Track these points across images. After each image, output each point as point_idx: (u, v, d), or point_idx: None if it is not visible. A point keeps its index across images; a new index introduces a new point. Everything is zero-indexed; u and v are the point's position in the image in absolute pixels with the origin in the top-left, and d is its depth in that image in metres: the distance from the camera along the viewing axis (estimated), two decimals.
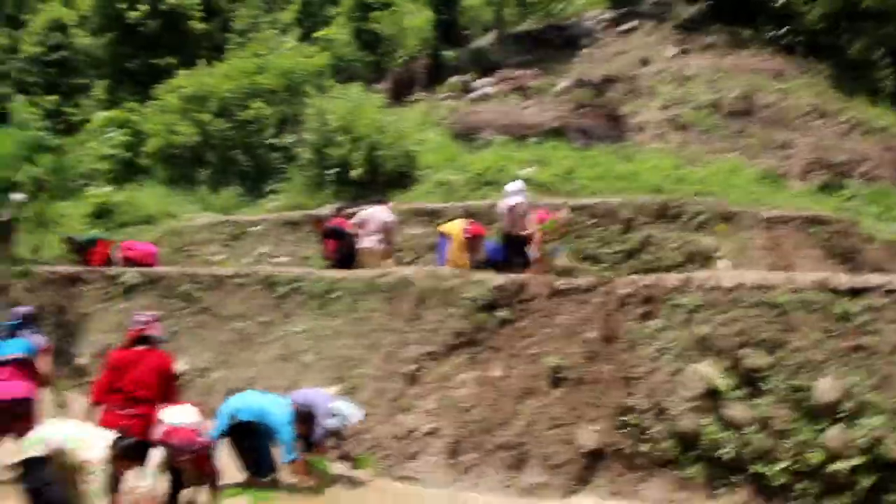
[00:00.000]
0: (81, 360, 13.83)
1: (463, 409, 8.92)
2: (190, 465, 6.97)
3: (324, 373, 10.17)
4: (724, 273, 8.91)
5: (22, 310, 9.30)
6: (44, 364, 8.58)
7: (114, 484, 6.66)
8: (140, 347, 7.68)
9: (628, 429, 8.09)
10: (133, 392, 7.37)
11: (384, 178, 17.28)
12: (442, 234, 12.39)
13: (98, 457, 6.17)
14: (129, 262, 15.13)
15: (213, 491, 7.37)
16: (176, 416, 7.03)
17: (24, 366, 8.43)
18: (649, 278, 9.05)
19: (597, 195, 14.46)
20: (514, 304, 9.70)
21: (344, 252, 12.98)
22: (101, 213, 19.87)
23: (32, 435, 6.59)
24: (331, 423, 8.33)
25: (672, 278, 8.87)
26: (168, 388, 7.64)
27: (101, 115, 25.79)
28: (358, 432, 9.26)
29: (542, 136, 18.34)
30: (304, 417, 8.25)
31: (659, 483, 7.79)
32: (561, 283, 9.77)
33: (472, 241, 12.05)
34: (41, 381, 8.64)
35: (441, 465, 8.58)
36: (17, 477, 6.50)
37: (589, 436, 8.22)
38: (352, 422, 8.47)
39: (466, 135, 19.42)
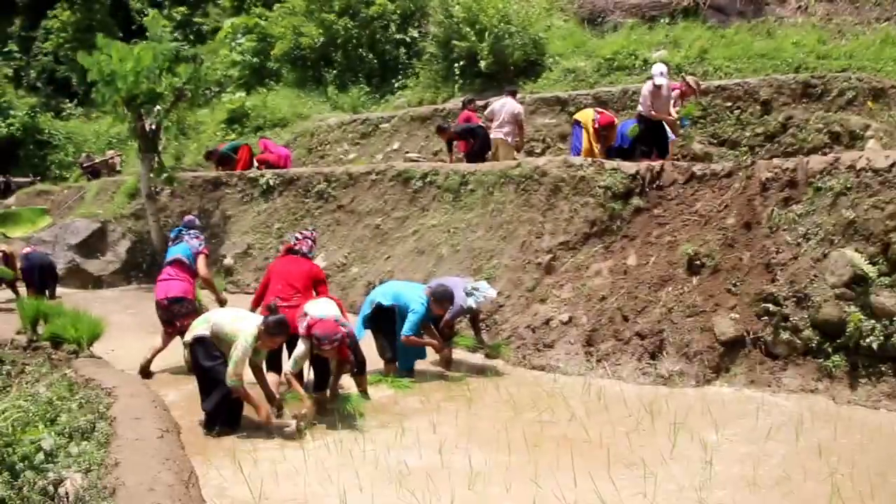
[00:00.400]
0: (227, 260, 14.63)
1: (599, 298, 8.97)
2: (333, 355, 7.36)
3: (460, 264, 10.43)
4: (875, 153, 8.42)
5: (186, 217, 10.00)
6: (201, 266, 9.21)
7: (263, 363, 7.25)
8: (292, 256, 8.39)
9: (768, 317, 7.92)
10: (286, 290, 8.01)
11: (512, 68, 17.13)
12: (576, 122, 12.27)
13: (250, 329, 6.71)
14: (266, 164, 15.76)
15: (356, 378, 7.78)
16: (318, 308, 7.44)
17: (183, 267, 9.11)
18: (792, 161, 8.67)
19: (733, 76, 13.91)
20: (650, 191, 9.60)
21: (475, 149, 13.08)
22: (236, 119, 20.63)
23: (200, 318, 7.29)
24: (469, 301, 8.58)
25: (817, 160, 8.48)
26: (317, 289, 8.21)
27: (229, 22, 26.35)
28: (494, 322, 9.52)
29: (674, 16, 17.59)
30: (441, 297, 8.48)
31: (799, 372, 7.63)
32: (698, 168, 9.56)
33: (604, 130, 11.90)
34: (200, 281, 9.34)
35: (577, 353, 8.70)
36: (191, 358, 7.17)
37: (727, 324, 8.13)
38: (488, 298, 8.68)
39: (593, 19, 18.85)
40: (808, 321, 7.63)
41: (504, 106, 12.97)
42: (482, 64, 16.94)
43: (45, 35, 36.37)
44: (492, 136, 13.05)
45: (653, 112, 11.11)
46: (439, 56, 18.57)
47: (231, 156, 16.47)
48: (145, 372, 8.87)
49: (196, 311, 8.89)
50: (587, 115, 12.17)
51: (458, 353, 9.19)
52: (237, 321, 6.90)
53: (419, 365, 8.78)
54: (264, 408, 6.93)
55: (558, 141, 13.98)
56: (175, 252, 9.24)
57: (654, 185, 9.65)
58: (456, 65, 17.70)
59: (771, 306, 7.91)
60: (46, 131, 27.69)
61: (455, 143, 13.66)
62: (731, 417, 6.78)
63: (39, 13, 36.97)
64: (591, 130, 11.96)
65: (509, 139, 12.84)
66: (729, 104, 12.75)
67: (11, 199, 22.64)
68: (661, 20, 17.54)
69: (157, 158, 15.73)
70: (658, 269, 8.89)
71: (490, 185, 10.87)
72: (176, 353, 8.77)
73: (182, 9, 32.55)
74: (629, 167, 9.89)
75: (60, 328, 8.94)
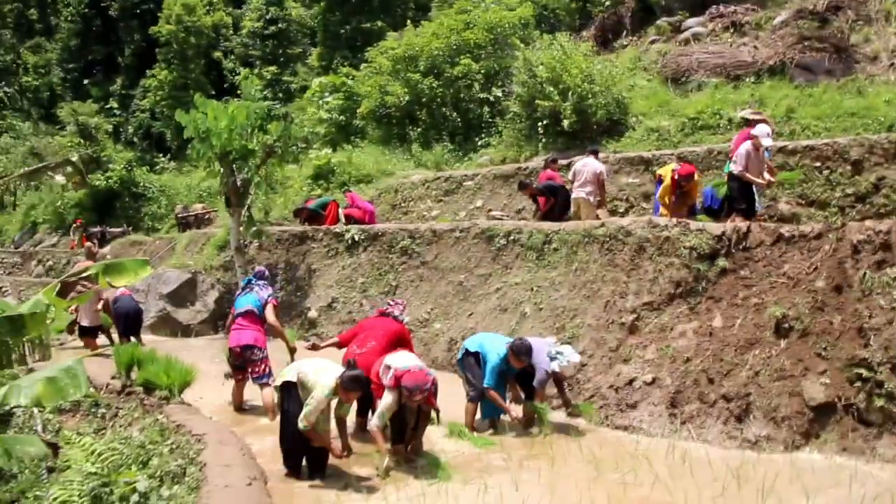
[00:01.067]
0: (311, 314, 14.93)
1: (683, 360, 8.89)
2: (421, 403, 7.51)
3: (543, 323, 10.47)
4: None
5: (256, 269, 10.50)
6: (269, 315, 9.57)
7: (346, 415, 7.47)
8: (384, 317, 8.85)
9: (861, 382, 7.71)
10: (370, 340, 8.42)
11: (595, 127, 17.24)
12: (658, 178, 12.30)
13: (328, 382, 6.94)
14: (351, 220, 16.15)
15: (423, 427, 7.87)
16: (400, 360, 7.61)
17: (254, 317, 9.51)
18: (886, 223, 8.52)
19: (822, 136, 13.72)
20: (736, 252, 9.51)
21: (554, 209, 13.18)
22: (322, 175, 21.17)
23: (290, 366, 7.67)
24: (553, 365, 8.60)
25: None
26: (402, 347, 8.51)
27: (318, 81, 27.24)
28: (577, 381, 9.50)
29: (759, 76, 17.46)
30: (519, 351, 8.47)
31: (894, 441, 7.43)
32: (786, 229, 9.44)
33: (683, 181, 11.81)
34: (270, 331, 9.77)
35: (661, 415, 8.61)
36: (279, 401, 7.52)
37: (817, 388, 7.95)
38: (572, 363, 8.73)
39: (677, 78, 18.80)
40: None
41: (586, 165, 13.07)
42: (565, 123, 17.07)
43: (143, 93, 38.23)
44: (573, 195, 13.14)
45: (747, 174, 11.04)
46: (522, 115, 18.80)
47: (320, 213, 16.92)
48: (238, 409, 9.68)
49: (264, 357, 9.39)
50: (667, 169, 12.20)
51: None
52: (319, 373, 7.13)
53: (500, 420, 8.81)
54: (336, 445, 7.15)
55: (642, 201, 13.98)
56: (245, 303, 9.61)
57: (741, 247, 9.55)
58: (539, 124, 17.88)
59: (864, 372, 7.71)
60: (141, 184, 28.88)
61: (538, 198, 13.81)
62: (821, 486, 6.61)
63: (139, 72, 38.92)
64: (668, 181, 11.95)
65: (591, 199, 12.90)
66: (818, 164, 12.58)
67: (107, 249, 23.61)
68: (747, 79, 17.43)
69: (246, 212, 16.28)
70: (744, 331, 8.77)
71: (574, 244, 10.93)
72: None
73: (272, 68, 33.85)
74: (715, 228, 9.84)
75: (153, 375, 9.35)
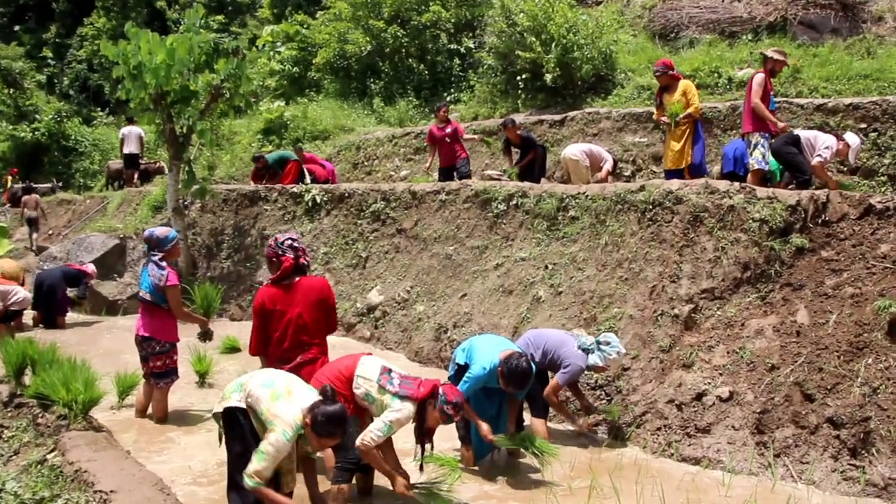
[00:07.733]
0: None
1: (767, 367, 6.40)
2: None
3: (565, 311, 7.84)
4: None
5: (146, 233, 7.11)
6: (171, 300, 6.78)
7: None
8: (286, 281, 5.57)
9: None
10: (293, 336, 5.51)
11: (580, 83, 14.74)
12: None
13: (290, 418, 4.39)
14: (313, 179, 13.34)
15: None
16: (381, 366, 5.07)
17: (148, 304, 6.89)
18: None
19: (831, 98, 11.51)
20: (814, 227, 7.12)
21: (531, 164, 11.27)
22: (273, 130, 18.32)
23: (235, 381, 4.83)
24: (591, 359, 6.20)
25: None
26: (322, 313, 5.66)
27: (269, 29, 24.13)
28: (618, 391, 6.98)
29: (757, 33, 15.28)
30: (510, 377, 5.62)
31: None
32: (877, 200, 7.06)
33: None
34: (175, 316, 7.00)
35: (745, 442, 6.10)
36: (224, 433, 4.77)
37: None
38: (621, 355, 6.34)
39: (666, 35, 16.52)
40: None
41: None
42: (548, 77, 14.52)
43: (79, 42, 34.37)
44: (562, 154, 10.82)
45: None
46: (498, 68, 16.23)
47: (277, 171, 13.89)
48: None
49: (167, 351, 6.92)
50: None
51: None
52: (278, 401, 4.43)
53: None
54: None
55: (651, 163, 11.49)
56: (142, 284, 6.95)
57: (819, 221, 7.15)
58: (518, 78, 15.29)
59: None
60: (73, 138, 25.36)
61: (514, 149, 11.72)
62: None
63: (76, 20, 35.04)
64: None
65: (583, 158, 10.49)
66: (863, 126, 10.26)
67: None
68: (743, 37, 15.22)
69: (187, 168, 13.15)
70: (844, 330, 6.33)
71: (600, 212, 8.30)
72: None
73: (219, 17, 30.35)
74: (787, 196, 7.39)
75: (49, 386, 6.19)
